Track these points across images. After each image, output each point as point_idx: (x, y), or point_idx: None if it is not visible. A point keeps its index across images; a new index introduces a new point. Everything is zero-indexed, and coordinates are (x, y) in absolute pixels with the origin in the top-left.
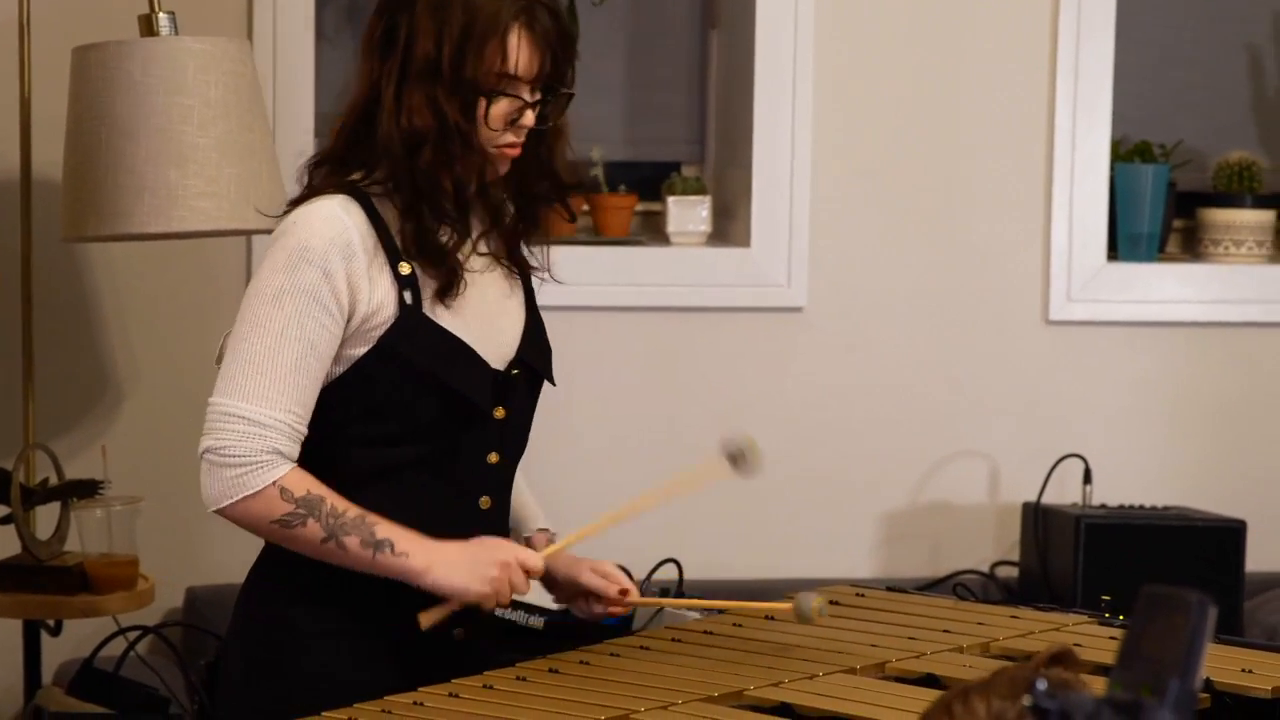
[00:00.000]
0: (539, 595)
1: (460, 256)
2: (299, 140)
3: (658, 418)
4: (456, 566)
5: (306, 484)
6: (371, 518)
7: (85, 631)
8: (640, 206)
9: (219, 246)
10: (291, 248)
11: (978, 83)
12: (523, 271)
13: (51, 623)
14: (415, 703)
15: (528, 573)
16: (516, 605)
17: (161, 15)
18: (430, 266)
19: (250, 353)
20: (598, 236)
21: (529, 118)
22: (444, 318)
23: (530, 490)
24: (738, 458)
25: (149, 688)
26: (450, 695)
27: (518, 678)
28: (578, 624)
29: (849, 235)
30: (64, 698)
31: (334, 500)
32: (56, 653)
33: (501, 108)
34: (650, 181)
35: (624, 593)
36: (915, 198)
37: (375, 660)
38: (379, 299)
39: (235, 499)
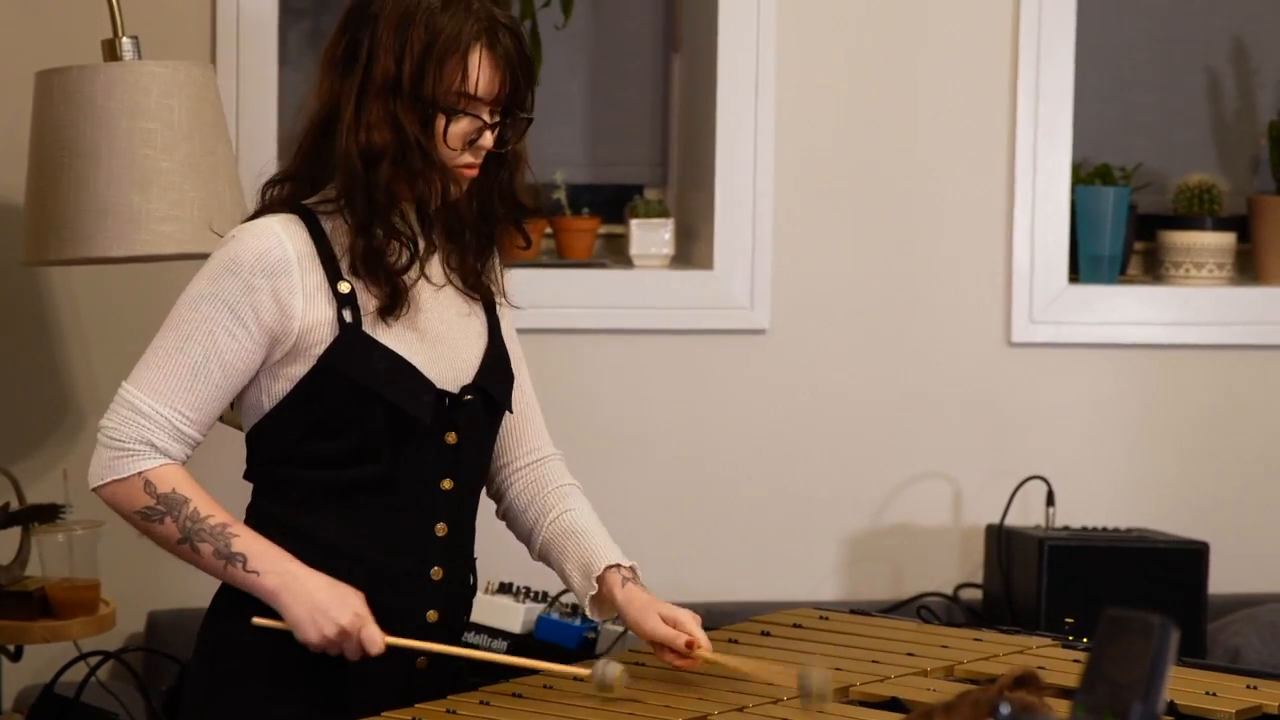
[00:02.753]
0: (505, 618)
1: (409, 277)
2: (262, 163)
3: (621, 440)
4: (302, 604)
5: (174, 482)
6: (235, 529)
7: (46, 657)
8: (603, 229)
9: (182, 270)
10: (221, 259)
11: (939, 106)
12: (486, 298)
13: (12, 648)
14: None
15: (365, 648)
16: (480, 629)
17: (125, 39)
18: (375, 284)
19: (156, 348)
20: (560, 259)
21: (487, 139)
22: (386, 336)
23: (599, 522)
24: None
25: (110, 713)
26: None
27: (481, 702)
28: (541, 649)
29: (812, 257)
30: None
31: (199, 504)
32: (17, 678)
33: (460, 127)
34: (613, 204)
35: (690, 645)
36: (878, 220)
37: (336, 687)
38: (315, 317)
39: (105, 480)
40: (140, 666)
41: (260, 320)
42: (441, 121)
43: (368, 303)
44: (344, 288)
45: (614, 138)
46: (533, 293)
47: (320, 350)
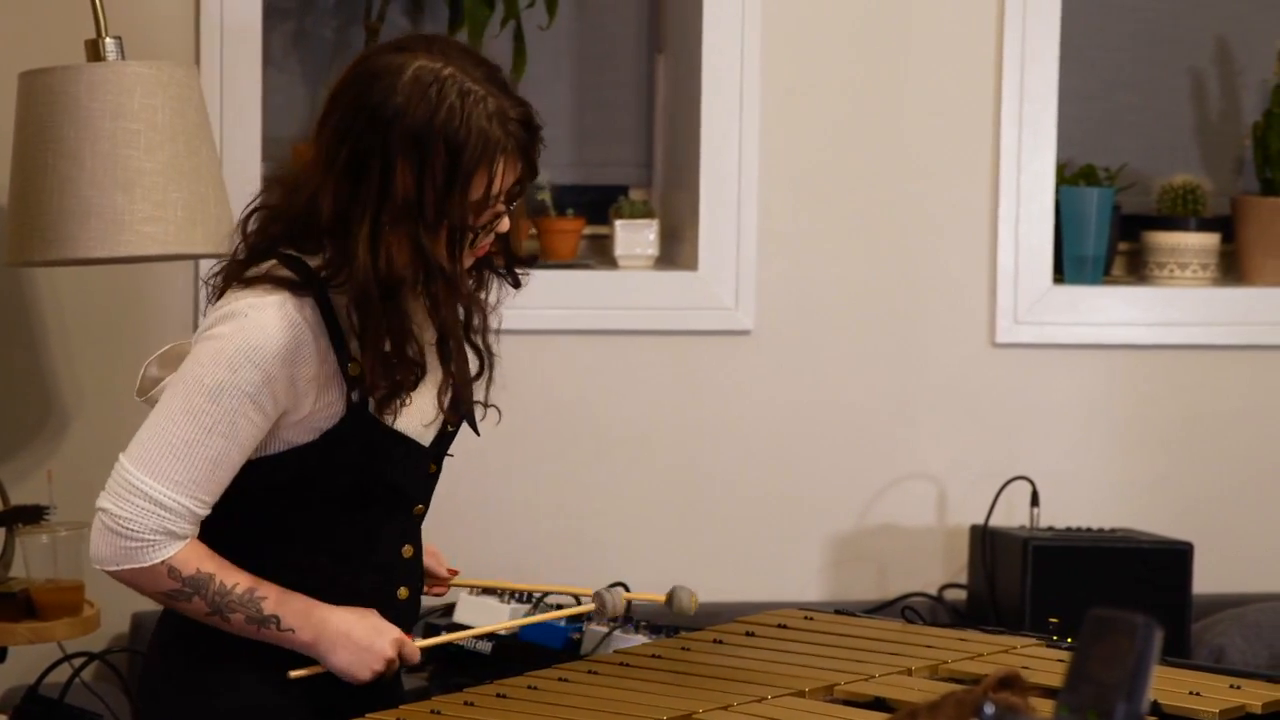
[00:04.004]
0: (491, 619)
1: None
2: (246, 164)
3: (605, 441)
4: (343, 649)
5: (196, 562)
6: (261, 591)
7: (30, 658)
8: (588, 230)
9: (166, 271)
10: (239, 344)
11: (924, 106)
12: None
13: None
14: None
15: (404, 660)
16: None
17: (108, 40)
18: (379, 381)
19: (173, 437)
20: (545, 260)
21: (504, 223)
22: (387, 415)
23: None
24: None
25: (94, 714)
26: None
27: (465, 703)
28: (526, 649)
29: (796, 258)
30: None
31: (223, 576)
32: (1, 679)
33: (483, 234)
34: (597, 205)
35: (453, 572)
36: (862, 221)
37: (312, 681)
38: (326, 399)
39: (121, 567)
40: (124, 667)
41: (277, 405)
42: (469, 238)
43: (374, 386)
44: (353, 369)
45: (599, 138)
46: (517, 294)
47: (327, 426)
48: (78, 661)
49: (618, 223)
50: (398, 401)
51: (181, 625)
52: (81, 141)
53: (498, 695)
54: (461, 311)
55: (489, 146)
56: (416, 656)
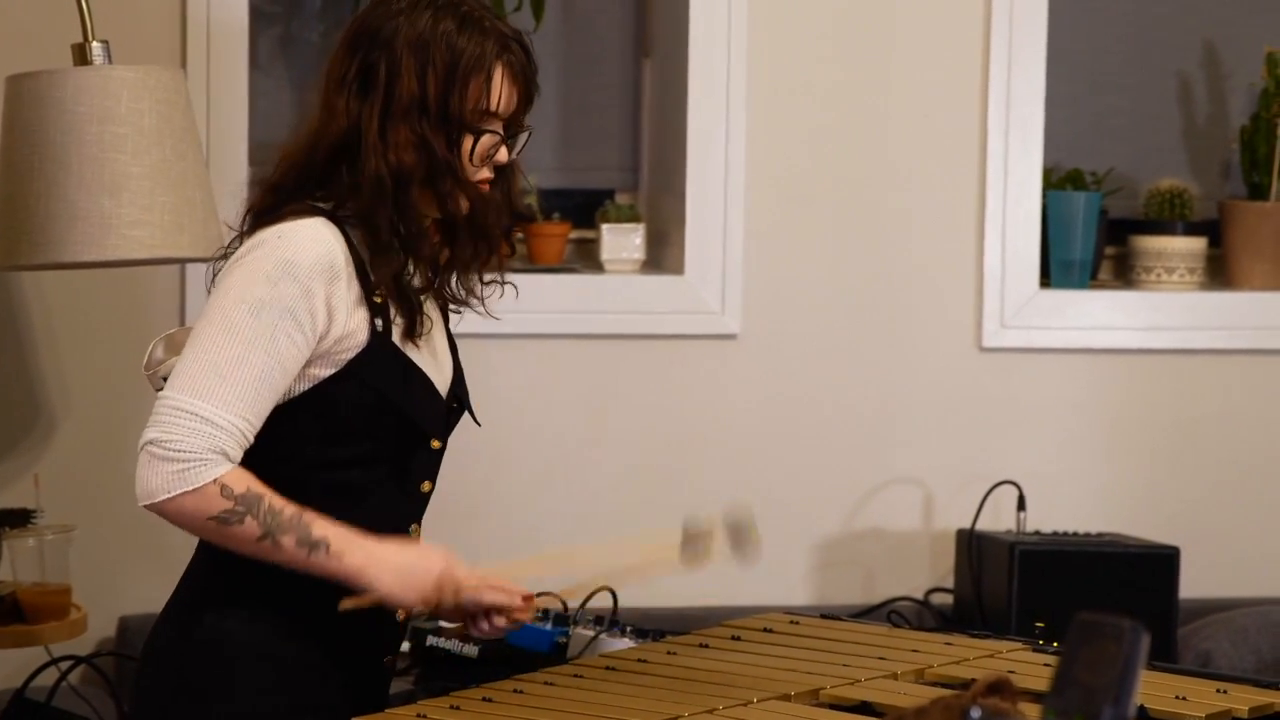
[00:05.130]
0: None
1: (424, 297)
2: (233, 168)
3: (592, 445)
4: (392, 572)
5: (247, 481)
6: (309, 516)
7: (17, 661)
8: (574, 234)
9: (152, 275)
10: (277, 260)
11: (910, 110)
12: (444, 307)
13: None
14: None
15: (458, 592)
16: (451, 633)
17: (95, 44)
18: (399, 302)
19: (216, 356)
20: (531, 264)
21: (504, 154)
22: (409, 349)
23: None
24: (736, 534)
25: (81, 717)
26: None
27: (452, 706)
28: (512, 652)
29: (783, 262)
30: None
31: (272, 498)
32: None
33: (485, 144)
34: (584, 209)
35: (528, 599)
36: (849, 225)
37: (302, 684)
38: (354, 324)
39: (173, 494)
40: (111, 671)
41: (315, 325)
42: (469, 140)
43: (395, 317)
44: (379, 298)
45: (585, 142)
46: (503, 298)
47: (349, 357)
48: (65, 665)
49: (604, 227)
50: (417, 333)
51: (175, 633)
52: (68, 145)
53: (484, 699)
54: (465, 204)
55: (486, 53)
56: (471, 584)
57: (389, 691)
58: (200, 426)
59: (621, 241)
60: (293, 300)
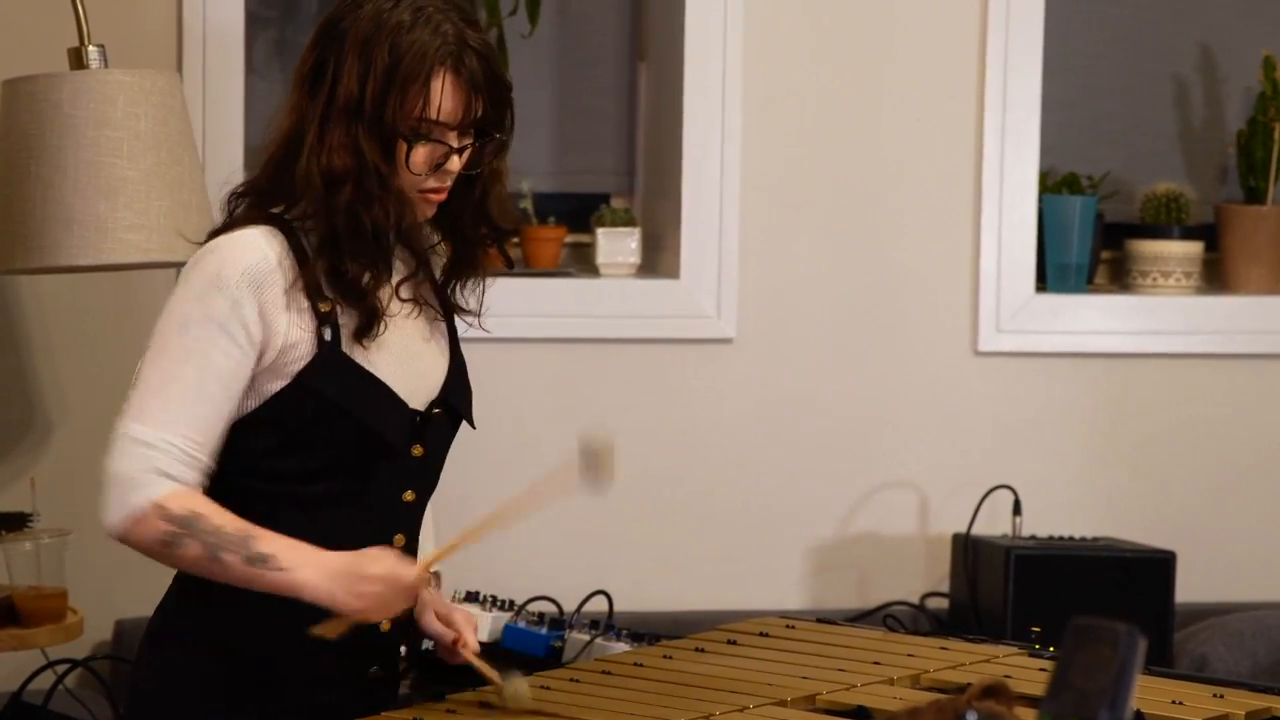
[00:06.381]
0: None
1: (380, 298)
2: (228, 173)
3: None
4: (329, 578)
5: (188, 503)
6: (255, 532)
7: (13, 665)
8: (569, 238)
9: (148, 278)
10: (205, 275)
11: (906, 114)
12: (447, 313)
13: None
14: None
15: (404, 588)
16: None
17: (91, 48)
18: (348, 305)
19: (149, 377)
20: (527, 268)
21: (454, 163)
22: (362, 356)
23: (433, 523)
24: (590, 457)
25: None
26: None
27: (448, 710)
28: (509, 657)
29: (779, 267)
30: None
31: (216, 517)
32: None
33: (424, 153)
34: (579, 213)
35: (456, 643)
36: (844, 229)
37: (289, 700)
38: (296, 334)
39: (122, 519)
40: (108, 674)
41: (250, 335)
42: (403, 147)
43: (347, 322)
44: (324, 306)
45: (580, 147)
46: (499, 302)
47: (298, 368)
48: (61, 668)
49: (599, 231)
50: (368, 337)
51: (169, 642)
52: (64, 149)
53: (480, 704)
54: (392, 213)
55: (428, 59)
56: (410, 578)
57: (387, 701)
58: (133, 448)
59: (617, 245)
60: (221, 313)
